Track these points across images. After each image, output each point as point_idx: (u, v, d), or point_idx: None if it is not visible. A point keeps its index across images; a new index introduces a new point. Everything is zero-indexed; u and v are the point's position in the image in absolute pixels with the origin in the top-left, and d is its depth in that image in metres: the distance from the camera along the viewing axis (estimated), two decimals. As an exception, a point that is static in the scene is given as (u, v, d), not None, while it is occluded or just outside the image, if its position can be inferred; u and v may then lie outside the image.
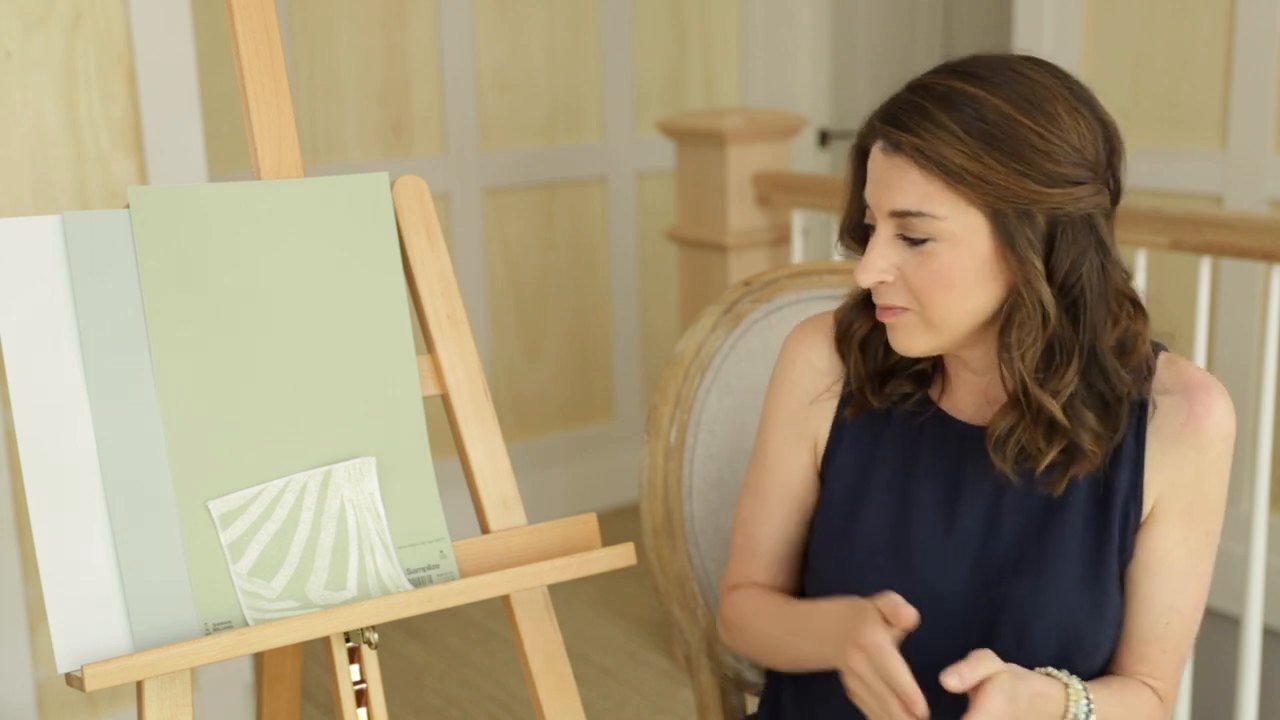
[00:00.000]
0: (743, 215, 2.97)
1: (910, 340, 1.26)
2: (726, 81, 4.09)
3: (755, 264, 2.96)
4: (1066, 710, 1.20)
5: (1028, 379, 1.21)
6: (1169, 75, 2.98)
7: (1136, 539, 1.27)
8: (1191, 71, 2.94)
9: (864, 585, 1.29)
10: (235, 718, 2.63)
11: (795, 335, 1.41)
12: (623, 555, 1.42)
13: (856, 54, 4.11)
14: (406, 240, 1.44)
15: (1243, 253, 2.19)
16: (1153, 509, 1.27)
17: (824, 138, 4.04)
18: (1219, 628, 2.76)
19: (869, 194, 1.24)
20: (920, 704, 1.15)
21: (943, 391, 1.33)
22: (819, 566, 1.37)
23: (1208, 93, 2.92)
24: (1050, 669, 1.23)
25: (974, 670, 1.15)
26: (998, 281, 1.21)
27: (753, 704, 1.58)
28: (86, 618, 1.23)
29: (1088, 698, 1.21)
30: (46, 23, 2.32)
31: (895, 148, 1.20)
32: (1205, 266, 2.28)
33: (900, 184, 1.20)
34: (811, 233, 3.36)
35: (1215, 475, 1.27)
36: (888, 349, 1.32)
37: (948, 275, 1.21)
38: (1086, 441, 1.22)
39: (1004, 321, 1.22)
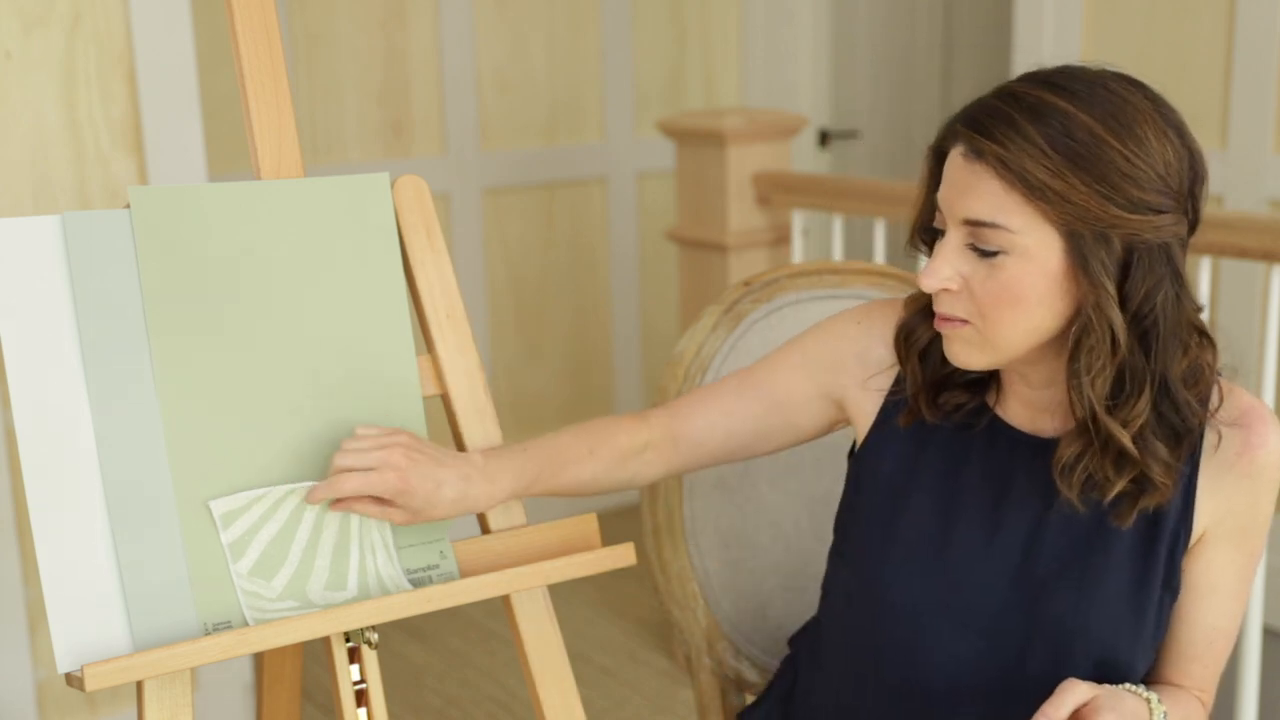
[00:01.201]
0: (743, 215, 2.97)
1: (967, 354, 1.23)
2: (726, 81, 4.09)
3: (755, 264, 2.96)
4: None
5: (1098, 407, 1.18)
6: (1169, 75, 2.98)
7: (1184, 563, 1.27)
8: (1191, 71, 2.94)
9: (900, 581, 1.29)
10: (235, 718, 2.63)
11: (880, 308, 1.38)
12: (623, 555, 1.42)
13: (856, 54, 4.11)
14: (406, 240, 1.44)
15: (1243, 253, 2.19)
16: (1202, 535, 1.27)
17: (824, 138, 4.04)
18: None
19: (943, 198, 1.21)
20: None
21: (998, 399, 1.31)
22: (856, 558, 1.34)
23: (1208, 93, 2.92)
24: (1129, 685, 1.23)
25: (1064, 703, 1.15)
26: (1065, 302, 1.18)
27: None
28: (86, 618, 1.23)
29: (1165, 713, 1.22)
30: (46, 23, 2.32)
31: (977, 155, 1.17)
32: (1205, 266, 2.28)
33: (977, 192, 1.17)
34: (811, 233, 3.36)
35: (1267, 501, 1.27)
36: (945, 358, 1.29)
37: (1015, 290, 1.18)
38: (1157, 473, 1.20)
39: (1073, 346, 1.19)
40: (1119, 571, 1.25)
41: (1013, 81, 1.21)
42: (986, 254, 1.18)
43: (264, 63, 1.41)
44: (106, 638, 1.23)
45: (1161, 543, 1.25)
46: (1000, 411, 1.31)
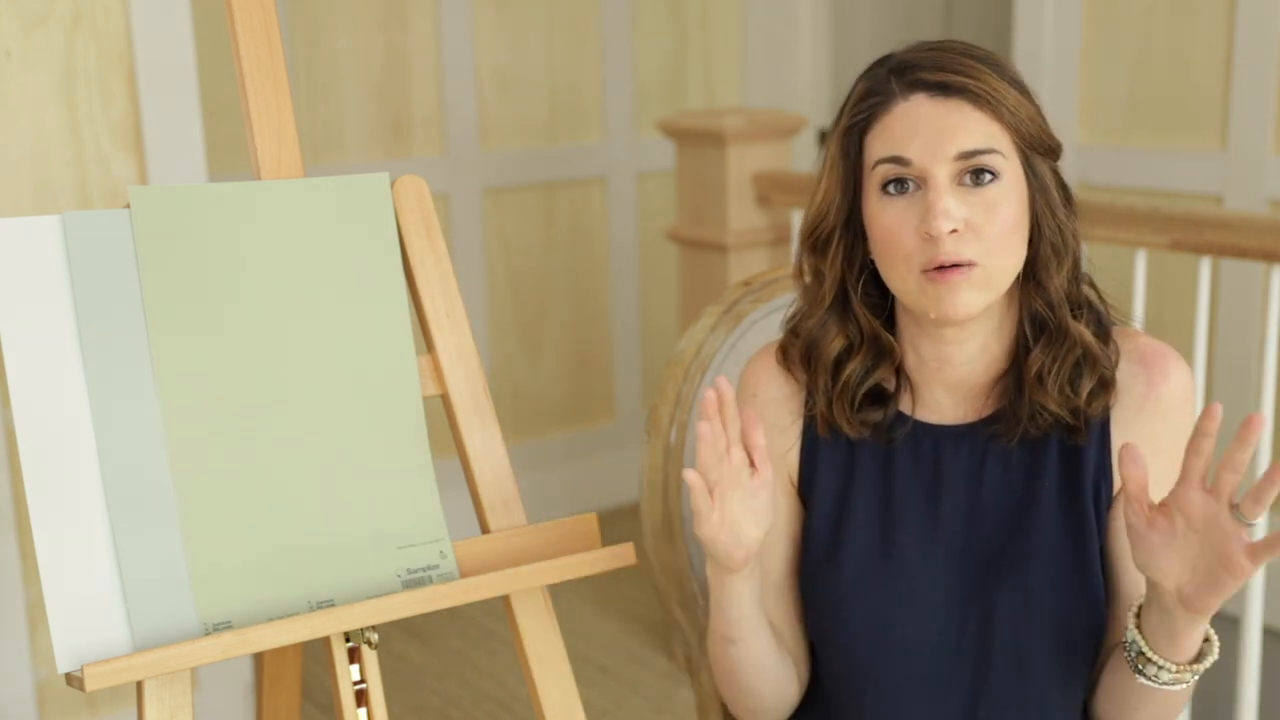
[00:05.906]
0: (743, 215, 2.97)
1: (972, 299, 1.21)
2: (726, 81, 4.09)
3: (755, 264, 2.97)
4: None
5: (1063, 311, 1.24)
6: (1169, 75, 2.98)
7: (1111, 513, 1.27)
8: (1191, 71, 2.94)
9: (855, 606, 1.29)
10: (235, 718, 2.63)
11: (750, 369, 1.38)
12: (623, 555, 1.42)
13: (856, 54, 4.11)
14: (406, 240, 1.44)
15: (1243, 253, 2.19)
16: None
17: (824, 138, 4.03)
18: (1219, 628, 2.75)
19: (915, 148, 1.21)
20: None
21: (914, 404, 1.32)
22: (808, 595, 1.34)
23: (1208, 93, 2.92)
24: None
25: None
26: (1027, 227, 1.24)
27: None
28: (86, 618, 1.23)
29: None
30: (46, 23, 2.32)
31: (945, 91, 1.21)
32: (1205, 266, 2.28)
33: (963, 124, 1.20)
34: (811, 233, 3.35)
35: (1183, 439, 1.26)
36: (868, 372, 1.29)
37: (1011, 216, 1.22)
38: (1107, 367, 1.26)
39: (1033, 262, 1.25)
40: (1054, 536, 1.26)
41: (914, 46, 1.26)
42: (979, 184, 1.21)
43: (264, 63, 1.41)
44: (106, 638, 1.23)
45: (1086, 495, 1.26)
46: (920, 415, 1.32)
